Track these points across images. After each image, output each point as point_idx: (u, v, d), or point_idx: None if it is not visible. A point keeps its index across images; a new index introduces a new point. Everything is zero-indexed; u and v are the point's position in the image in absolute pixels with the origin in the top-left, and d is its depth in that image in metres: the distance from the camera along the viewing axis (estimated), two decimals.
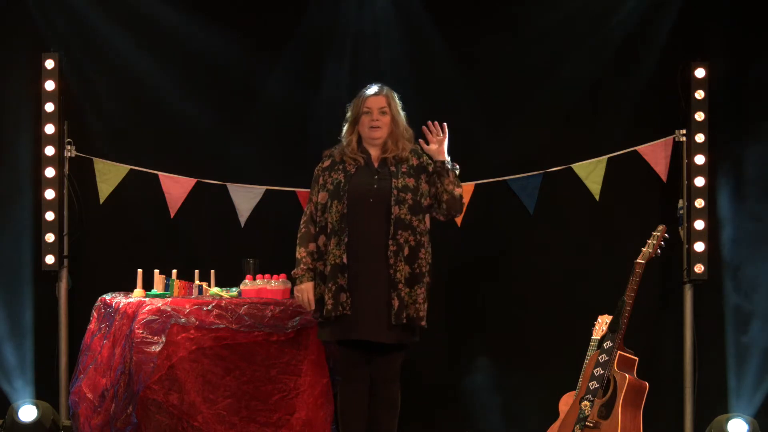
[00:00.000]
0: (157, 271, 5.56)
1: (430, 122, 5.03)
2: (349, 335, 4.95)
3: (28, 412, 6.08)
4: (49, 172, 6.19)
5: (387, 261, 4.90)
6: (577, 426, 5.28)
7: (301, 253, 5.05)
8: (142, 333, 5.15)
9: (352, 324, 4.92)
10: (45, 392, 6.21)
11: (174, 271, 5.55)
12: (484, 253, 6.37)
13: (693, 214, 6.15)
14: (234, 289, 5.59)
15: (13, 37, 6.33)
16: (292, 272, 5.06)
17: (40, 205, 6.20)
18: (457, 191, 5.04)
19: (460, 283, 6.33)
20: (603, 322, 5.59)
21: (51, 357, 6.23)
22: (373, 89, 5.10)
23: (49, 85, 6.19)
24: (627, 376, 5.23)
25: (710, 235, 6.16)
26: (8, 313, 6.22)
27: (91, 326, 5.46)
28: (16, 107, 6.29)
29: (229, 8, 6.36)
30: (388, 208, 4.94)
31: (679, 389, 6.21)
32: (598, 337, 5.55)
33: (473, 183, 6.25)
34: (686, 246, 6.17)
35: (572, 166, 6.29)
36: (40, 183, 6.21)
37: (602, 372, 5.28)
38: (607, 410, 5.24)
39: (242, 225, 6.32)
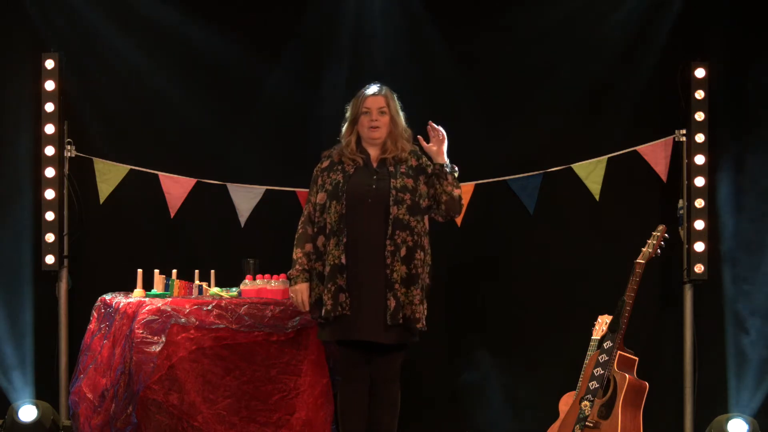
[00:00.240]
0: (157, 271, 5.56)
1: (431, 123, 5.04)
2: (349, 335, 4.95)
3: (28, 412, 6.08)
4: (49, 172, 6.20)
5: (384, 261, 4.90)
6: (577, 426, 5.28)
7: (297, 253, 5.05)
8: (142, 333, 5.14)
9: (351, 324, 4.92)
10: (45, 392, 6.21)
11: (174, 271, 5.55)
12: (484, 253, 6.37)
13: (693, 214, 6.15)
14: (234, 289, 5.59)
15: (13, 37, 6.33)
16: (288, 273, 5.06)
17: (40, 205, 6.20)
18: (456, 192, 5.04)
19: (460, 283, 6.34)
20: (603, 322, 5.59)
21: (51, 357, 6.23)
22: (372, 89, 5.10)
23: (49, 85, 6.19)
24: (627, 376, 5.23)
25: (710, 235, 6.16)
26: (8, 313, 6.22)
27: (91, 326, 5.46)
28: (16, 107, 6.29)
29: (229, 8, 6.36)
30: (386, 209, 4.94)
31: (679, 389, 6.21)
32: (598, 337, 5.55)
33: (473, 183, 6.25)
34: (686, 246, 6.17)
35: (572, 166, 6.29)
36: (40, 183, 6.21)
37: (602, 372, 5.28)
38: (607, 410, 5.24)
39: (242, 225, 6.32)
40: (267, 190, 6.31)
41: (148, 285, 5.52)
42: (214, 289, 5.57)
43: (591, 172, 6.28)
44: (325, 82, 6.31)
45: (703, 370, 6.22)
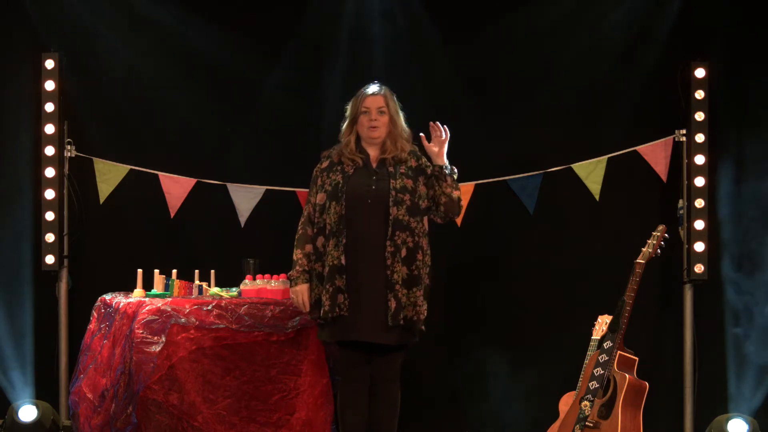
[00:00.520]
0: (157, 271, 5.56)
1: (432, 123, 5.03)
2: (348, 336, 4.95)
3: (28, 412, 6.08)
4: (49, 172, 6.19)
5: (384, 262, 4.90)
6: (577, 426, 5.28)
7: (297, 254, 5.04)
8: (142, 333, 5.14)
9: (350, 325, 4.92)
10: (45, 392, 6.21)
11: (174, 271, 5.55)
12: (484, 253, 6.37)
13: (693, 214, 6.15)
14: (234, 289, 5.59)
15: (13, 37, 6.33)
16: (288, 274, 5.06)
17: (40, 205, 6.20)
18: (455, 194, 5.04)
19: (460, 283, 6.33)
20: (603, 322, 5.59)
21: (51, 357, 6.23)
22: (371, 89, 5.10)
23: (49, 85, 6.19)
24: (627, 376, 5.23)
25: (710, 235, 6.16)
26: (8, 313, 6.22)
27: (91, 326, 5.46)
28: (16, 107, 6.29)
29: (229, 8, 6.36)
30: (386, 209, 4.94)
31: (679, 389, 6.21)
32: (598, 337, 5.55)
33: (473, 183, 6.25)
34: (686, 246, 6.17)
35: (572, 166, 6.29)
36: (40, 183, 6.21)
37: (602, 372, 5.28)
38: (607, 410, 5.24)
39: (242, 225, 6.32)
40: (267, 190, 6.31)
41: (148, 285, 5.52)
42: (214, 289, 5.57)
43: (591, 172, 6.28)
44: (325, 82, 6.31)
45: (703, 370, 6.21)
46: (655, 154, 6.27)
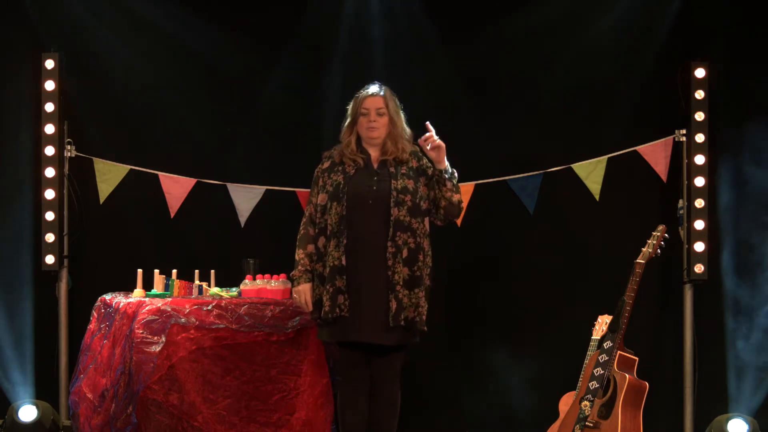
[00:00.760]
0: (157, 271, 5.56)
1: (420, 140, 4.99)
2: (349, 336, 4.94)
3: (28, 412, 6.08)
4: (49, 172, 6.19)
5: (386, 263, 4.90)
6: (577, 426, 5.28)
7: (299, 254, 5.04)
8: (142, 333, 5.14)
9: (351, 325, 4.92)
10: (45, 392, 6.21)
11: (174, 271, 5.55)
12: (484, 253, 6.37)
13: (693, 214, 6.15)
14: (234, 289, 5.59)
15: (13, 37, 6.32)
16: (291, 274, 5.06)
17: (40, 205, 6.20)
18: (456, 198, 5.04)
19: (460, 284, 6.33)
20: (603, 322, 5.59)
21: (51, 357, 6.22)
22: (371, 89, 5.10)
23: (49, 85, 6.19)
24: (627, 376, 5.23)
25: (710, 235, 6.16)
26: (8, 313, 6.22)
27: (91, 326, 5.46)
28: (16, 107, 6.29)
29: (229, 8, 6.36)
30: (387, 210, 4.94)
31: (679, 389, 6.21)
32: (598, 337, 5.55)
33: (473, 183, 6.25)
34: (686, 246, 6.17)
35: (572, 166, 6.29)
36: (40, 183, 6.21)
37: (602, 372, 5.28)
38: (607, 410, 5.24)
39: (242, 225, 6.32)
40: (267, 190, 6.31)
41: (148, 285, 5.52)
42: (214, 289, 5.57)
43: (591, 172, 6.28)
44: (325, 83, 6.31)
45: (703, 370, 6.21)
46: (655, 154, 6.27)
